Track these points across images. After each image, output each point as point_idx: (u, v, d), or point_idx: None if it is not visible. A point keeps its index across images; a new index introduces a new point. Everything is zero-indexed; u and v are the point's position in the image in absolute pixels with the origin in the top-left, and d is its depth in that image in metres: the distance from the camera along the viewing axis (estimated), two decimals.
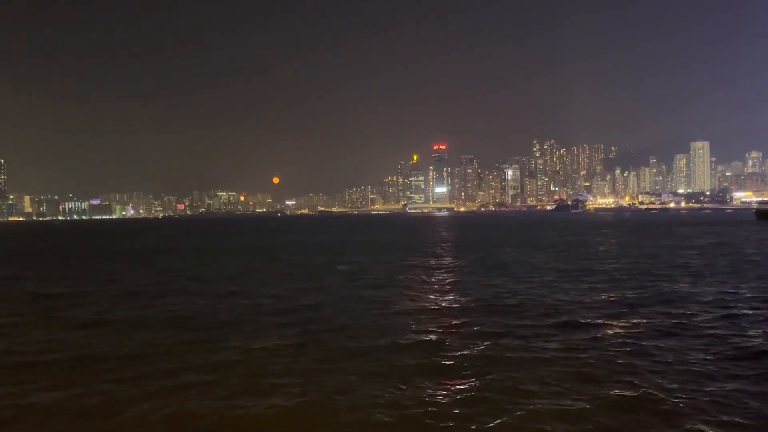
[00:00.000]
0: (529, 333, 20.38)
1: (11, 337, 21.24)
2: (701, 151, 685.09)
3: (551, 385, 14.73)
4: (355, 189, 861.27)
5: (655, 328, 21.00)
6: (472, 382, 15.20)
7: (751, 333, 19.88)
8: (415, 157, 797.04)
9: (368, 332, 20.99)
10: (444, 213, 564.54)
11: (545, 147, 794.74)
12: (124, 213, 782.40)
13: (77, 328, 22.83)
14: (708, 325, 21.36)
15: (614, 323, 21.90)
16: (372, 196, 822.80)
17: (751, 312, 23.63)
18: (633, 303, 26.30)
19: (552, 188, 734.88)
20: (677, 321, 22.04)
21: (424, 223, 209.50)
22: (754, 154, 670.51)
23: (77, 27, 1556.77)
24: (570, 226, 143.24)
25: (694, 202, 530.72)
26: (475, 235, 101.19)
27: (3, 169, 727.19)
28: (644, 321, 22.27)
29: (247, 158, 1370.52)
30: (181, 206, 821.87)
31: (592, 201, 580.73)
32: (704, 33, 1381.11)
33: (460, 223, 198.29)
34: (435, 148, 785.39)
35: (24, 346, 19.82)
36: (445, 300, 28.39)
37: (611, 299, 27.37)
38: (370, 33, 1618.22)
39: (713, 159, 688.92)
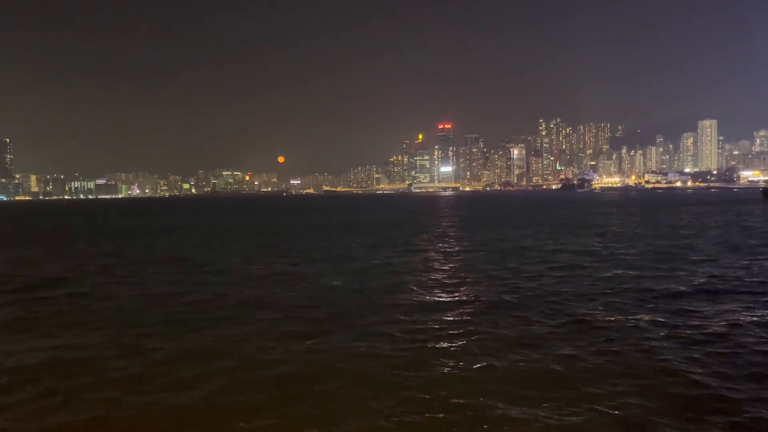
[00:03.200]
0: (551, 337, 20.50)
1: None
2: (709, 130, 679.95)
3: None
4: (360, 168, 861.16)
5: (664, 320, 21.34)
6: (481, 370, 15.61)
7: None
8: (420, 137, 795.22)
9: (371, 319, 21.39)
10: (449, 192, 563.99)
11: (551, 126, 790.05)
12: (129, 192, 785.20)
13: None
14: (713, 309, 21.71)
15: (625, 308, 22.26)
16: (377, 176, 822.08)
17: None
18: (644, 290, 26.60)
19: (558, 167, 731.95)
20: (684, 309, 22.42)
21: (429, 203, 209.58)
22: (762, 132, 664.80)
23: (84, 5, 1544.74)
24: (574, 205, 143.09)
25: (700, 181, 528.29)
26: (482, 216, 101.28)
27: (9, 149, 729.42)
28: (658, 312, 22.58)
29: (252, 138, 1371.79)
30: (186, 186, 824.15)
31: (597, 180, 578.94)
32: (714, 13, 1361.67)
33: (466, 203, 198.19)
34: (440, 127, 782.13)
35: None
36: (452, 288, 28.73)
37: (619, 281, 27.70)
38: (377, 12, 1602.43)
39: (721, 138, 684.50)
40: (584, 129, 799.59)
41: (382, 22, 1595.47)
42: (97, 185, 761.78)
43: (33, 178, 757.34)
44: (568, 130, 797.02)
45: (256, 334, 18.51)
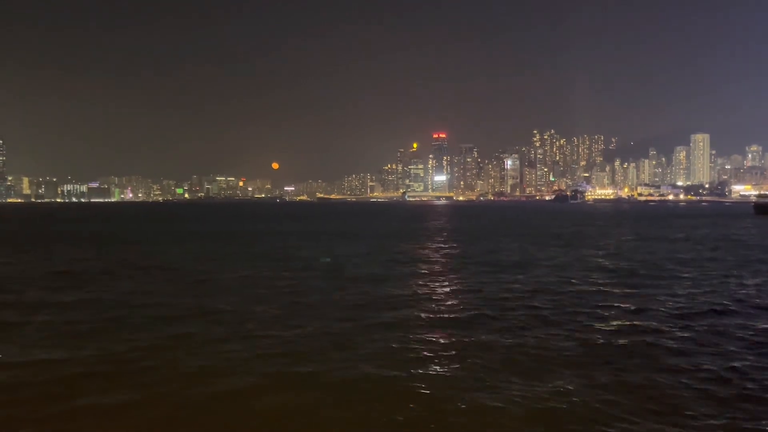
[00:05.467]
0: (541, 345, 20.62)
1: None
2: (701, 144, 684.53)
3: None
4: (354, 176, 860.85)
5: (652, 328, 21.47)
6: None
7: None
8: (414, 145, 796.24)
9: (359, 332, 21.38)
10: (443, 201, 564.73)
11: (545, 137, 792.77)
12: (122, 196, 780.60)
13: None
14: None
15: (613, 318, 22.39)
16: (371, 184, 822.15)
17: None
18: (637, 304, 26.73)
19: (551, 178, 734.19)
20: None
21: (423, 211, 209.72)
22: (754, 147, 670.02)
23: (80, 6, 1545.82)
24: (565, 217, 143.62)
25: (692, 195, 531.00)
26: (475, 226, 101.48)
27: (1, 150, 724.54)
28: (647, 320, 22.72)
29: (246, 143, 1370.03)
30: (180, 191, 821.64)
31: (591, 192, 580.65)
32: (707, 26, 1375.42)
33: (459, 213, 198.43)
34: (435, 136, 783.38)
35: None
36: (446, 301, 28.78)
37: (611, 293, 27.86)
38: (371, 18, 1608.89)
39: (713, 152, 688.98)
40: (578, 141, 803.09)
41: (379, 28, 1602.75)
42: (89, 189, 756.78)
43: (25, 180, 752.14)
44: (562, 141, 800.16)
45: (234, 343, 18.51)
